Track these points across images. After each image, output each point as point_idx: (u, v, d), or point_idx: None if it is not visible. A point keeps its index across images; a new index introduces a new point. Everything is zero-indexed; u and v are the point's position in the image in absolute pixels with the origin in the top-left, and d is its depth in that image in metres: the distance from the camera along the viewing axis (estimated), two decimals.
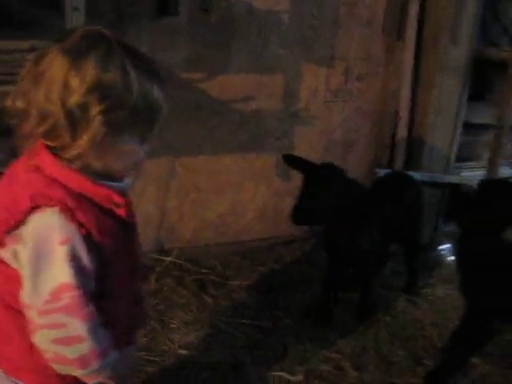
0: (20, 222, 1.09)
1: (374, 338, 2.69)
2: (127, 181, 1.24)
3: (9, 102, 1.10)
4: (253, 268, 3.17)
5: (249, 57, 2.98)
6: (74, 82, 1.04)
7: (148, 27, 2.68)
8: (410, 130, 3.46)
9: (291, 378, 2.36)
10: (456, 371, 2.40)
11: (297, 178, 3.28)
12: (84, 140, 1.06)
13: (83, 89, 1.04)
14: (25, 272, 1.11)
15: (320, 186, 2.41)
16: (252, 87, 3.03)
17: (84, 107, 1.05)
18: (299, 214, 2.45)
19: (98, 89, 1.05)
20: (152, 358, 2.41)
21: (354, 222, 2.52)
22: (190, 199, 3.07)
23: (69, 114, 1.05)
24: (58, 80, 1.05)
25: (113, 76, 1.06)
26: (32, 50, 1.98)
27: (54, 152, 1.11)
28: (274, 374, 2.38)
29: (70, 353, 1.12)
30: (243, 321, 2.71)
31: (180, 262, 3.07)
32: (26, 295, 1.11)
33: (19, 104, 1.09)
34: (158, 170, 2.93)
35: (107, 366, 1.17)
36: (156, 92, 1.12)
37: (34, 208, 1.07)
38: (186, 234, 3.13)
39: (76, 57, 1.05)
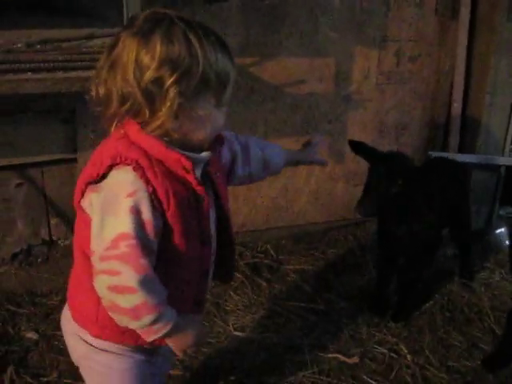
0: (100, 176, 1.21)
1: (429, 322, 2.67)
2: (206, 153, 1.29)
3: (93, 92, 1.23)
4: (306, 252, 3.17)
5: (300, 40, 2.97)
6: (146, 59, 1.14)
7: (199, 13, 2.69)
8: (464, 111, 3.39)
9: (347, 359, 2.37)
10: None
11: (351, 162, 3.29)
12: (163, 112, 1.17)
13: (154, 64, 1.14)
14: (94, 218, 1.22)
15: (386, 176, 2.34)
16: (304, 71, 3.02)
17: (158, 82, 1.15)
18: (365, 207, 2.39)
19: (168, 62, 1.14)
20: (209, 340, 2.46)
21: (403, 206, 2.47)
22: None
23: (145, 91, 1.15)
24: (130, 61, 1.15)
25: (178, 48, 1.15)
26: (91, 37, 2.04)
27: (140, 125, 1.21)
28: (329, 355, 2.40)
29: (123, 302, 1.19)
30: (298, 304, 2.73)
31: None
32: (92, 240, 1.21)
33: (101, 91, 1.20)
34: None
35: (163, 322, 1.22)
36: (220, 58, 1.20)
37: (113, 165, 1.20)
38: (240, 219, 3.15)
39: (143, 37, 1.15)
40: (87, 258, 1.25)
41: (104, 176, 1.20)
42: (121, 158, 1.18)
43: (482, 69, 3.30)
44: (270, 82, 2.96)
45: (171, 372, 2.22)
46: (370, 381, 2.28)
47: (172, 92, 1.15)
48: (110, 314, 1.24)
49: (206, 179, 1.35)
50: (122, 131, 1.24)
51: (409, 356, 2.44)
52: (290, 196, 3.24)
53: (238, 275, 2.87)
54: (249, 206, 3.16)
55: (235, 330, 2.54)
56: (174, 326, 1.25)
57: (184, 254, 1.28)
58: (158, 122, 1.18)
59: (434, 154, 3.37)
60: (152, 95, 1.15)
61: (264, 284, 2.86)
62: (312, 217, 3.35)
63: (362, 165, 3.31)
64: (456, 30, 3.26)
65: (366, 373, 2.32)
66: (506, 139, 3.45)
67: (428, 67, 3.34)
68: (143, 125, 1.20)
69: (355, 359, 2.37)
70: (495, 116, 3.36)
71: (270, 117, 3.03)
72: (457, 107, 3.34)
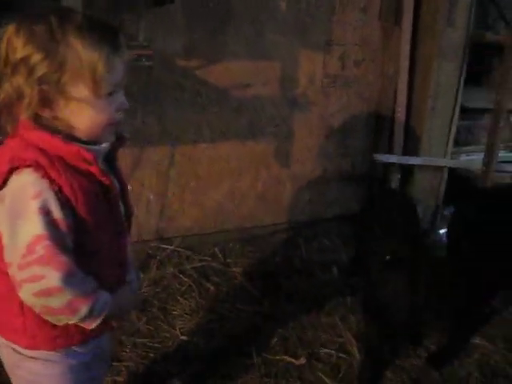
0: (1, 183, 1.16)
1: None
2: (105, 144, 1.27)
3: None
4: (254, 255, 3.17)
5: (245, 43, 2.97)
6: (16, 42, 1.13)
7: (144, 15, 2.67)
8: (408, 115, 3.45)
9: (294, 361, 2.37)
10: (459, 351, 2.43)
11: (296, 165, 3.31)
12: (29, 98, 1.14)
13: (20, 45, 1.12)
14: (3, 229, 1.17)
15: None
16: (249, 74, 3.03)
17: (24, 63, 1.12)
18: None
19: (32, 43, 1.12)
20: (155, 345, 2.43)
21: None
22: (189, 187, 3.07)
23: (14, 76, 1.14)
24: (13, 56, 1.14)
25: (43, 30, 1.12)
26: None
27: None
28: (277, 357, 2.39)
29: (54, 303, 1.16)
30: (245, 307, 2.72)
31: (181, 250, 3.08)
32: (6, 252, 1.17)
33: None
34: (157, 158, 2.93)
35: (100, 306, 1.22)
36: (88, 45, 1.15)
37: (13, 169, 1.15)
38: (187, 222, 3.13)
39: (23, 28, 1.13)
40: (3, 273, 1.21)
41: (5, 182, 1.16)
42: (19, 160, 1.15)
43: (425, 73, 3.36)
44: (215, 85, 2.95)
45: (116, 378, 2.19)
46: (317, 381, 2.29)
47: (43, 81, 1.13)
48: (45, 317, 1.22)
49: (110, 171, 1.33)
50: (17, 131, 1.20)
51: (358, 355, 2.45)
52: (236, 199, 3.23)
53: (185, 279, 2.86)
54: (195, 210, 3.14)
55: (182, 334, 2.51)
56: (111, 306, 1.25)
57: (100, 246, 1.27)
58: (29, 112, 1.15)
59: (379, 156, 3.42)
60: (23, 84, 1.13)
61: (211, 288, 2.84)
62: (259, 219, 3.35)
63: (308, 167, 3.36)
64: (399, 35, 3.32)
65: (313, 373, 2.33)
66: (448, 141, 3.53)
67: (372, 71, 3.39)
68: (35, 121, 1.18)
69: (302, 360, 2.38)
70: (438, 119, 3.42)
71: (215, 120, 3.02)
72: (400, 111, 3.40)
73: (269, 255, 3.18)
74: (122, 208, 1.38)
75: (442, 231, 3.49)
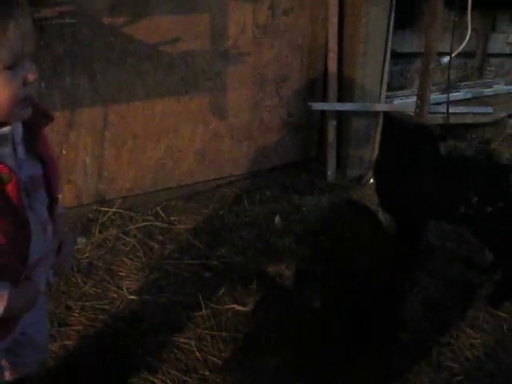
0: None
1: None
2: (7, 128, 1.15)
3: None
4: (197, 211, 3.17)
5: None
6: None
7: None
8: (340, 61, 3.47)
9: (242, 308, 2.41)
10: None
11: (233, 117, 3.30)
12: None
13: None
14: None
15: None
16: (179, 29, 2.97)
17: None
18: None
19: None
20: (103, 307, 2.42)
21: None
22: (127, 147, 3.02)
23: None
24: None
25: None
26: None
27: None
28: (225, 307, 2.43)
29: None
30: (191, 261, 2.74)
31: (122, 211, 3.06)
32: None
33: None
34: (91, 119, 2.86)
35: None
36: None
37: None
38: (127, 183, 3.10)
39: None
40: None
41: None
42: None
43: (354, 18, 3.37)
44: (144, 42, 2.89)
45: (66, 342, 2.19)
46: (266, 325, 2.34)
47: None
48: None
49: (30, 154, 1.23)
50: None
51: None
52: (175, 156, 3.21)
53: (129, 239, 2.84)
54: (134, 170, 3.10)
55: (130, 294, 2.51)
56: (10, 297, 1.18)
57: None
58: None
59: (314, 104, 3.45)
60: None
61: (156, 246, 2.84)
62: (200, 175, 3.35)
63: (244, 119, 3.36)
64: None
65: (260, 319, 2.37)
66: (381, 86, 3.58)
67: (303, 19, 3.38)
68: None
69: (249, 307, 2.42)
70: (370, 64, 3.46)
71: (147, 78, 2.96)
72: (332, 57, 3.42)
73: (212, 210, 3.19)
74: (42, 195, 1.27)
75: None
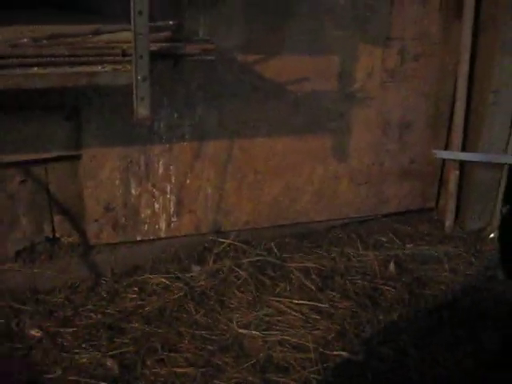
0: None
1: None
2: None
3: None
4: (310, 250, 3.17)
5: (304, 38, 2.96)
6: None
7: (205, 12, 2.70)
8: (468, 110, 3.39)
9: (351, 356, 2.37)
10: None
11: (354, 160, 3.29)
12: None
13: None
14: None
15: None
16: (307, 69, 3.01)
17: None
18: None
19: None
20: (212, 337, 2.46)
21: None
22: (247, 181, 3.08)
23: None
24: None
25: None
26: (97, 33, 2.04)
27: None
28: (335, 353, 2.39)
29: None
30: (301, 301, 2.73)
31: (237, 243, 3.10)
32: None
33: None
34: (216, 152, 2.95)
35: None
36: None
37: None
38: (243, 217, 3.15)
39: None
40: None
41: None
42: None
43: (486, 67, 3.29)
44: (272, 80, 2.95)
45: (176, 369, 2.24)
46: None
47: None
48: None
49: None
50: None
51: None
52: (293, 194, 3.23)
53: (242, 272, 2.88)
54: (252, 204, 3.15)
55: (239, 327, 2.53)
56: None
57: None
58: None
59: (438, 152, 3.38)
60: None
61: (268, 281, 2.85)
62: (315, 215, 3.34)
63: (364, 163, 3.34)
64: (460, 28, 3.25)
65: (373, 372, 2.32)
66: (509, 138, 3.45)
67: (432, 65, 3.33)
68: None
69: (360, 357, 2.37)
70: (499, 114, 3.35)
71: (272, 115, 3.02)
72: (460, 106, 3.34)
73: (324, 251, 3.18)
74: None
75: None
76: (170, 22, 2.16)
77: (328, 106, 3.14)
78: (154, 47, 1.92)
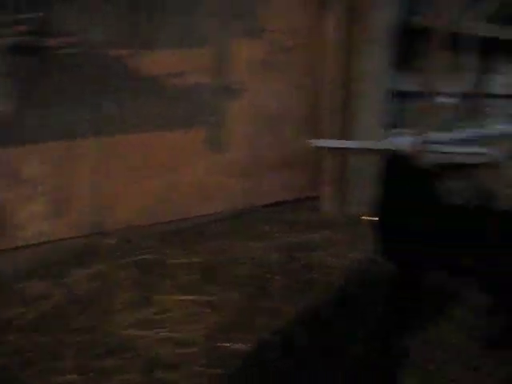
0: None
1: None
2: None
3: None
4: (194, 246, 3.13)
5: (176, 31, 2.94)
6: None
7: (72, 5, 2.59)
8: (341, 99, 3.49)
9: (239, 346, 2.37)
10: None
11: (233, 153, 3.29)
12: None
13: None
14: None
15: None
16: (182, 63, 2.99)
17: None
18: None
19: None
20: (98, 342, 2.37)
21: None
22: (125, 179, 3.00)
23: None
24: None
25: None
26: None
27: None
28: (221, 344, 2.38)
29: None
30: (186, 297, 2.69)
31: (119, 243, 3.02)
32: None
33: None
34: (89, 150, 2.85)
35: None
36: None
37: None
38: (125, 215, 3.07)
39: None
40: None
41: None
42: None
43: (355, 57, 3.40)
44: (147, 75, 2.90)
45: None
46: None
47: None
48: None
49: None
50: None
51: None
52: (174, 190, 3.20)
53: (126, 272, 2.80)
54: (133, 202, 3.08)
55: (126, 327, 2.46)
56: None
57: None
58: None
59: (314, 141, 3.45)
60: None
61: (152, 279, 2.79)
62: (198, 210, 3.34)
63: (243, 155, 3.35)
64: (329, 20, 3.34)
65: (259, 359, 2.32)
66: (381, 125, 3.58)
67: (305, 57, 3.41)
68: None
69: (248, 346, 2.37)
70: (370, 102, 3.47)
71: (148, 110, 2.98)
72: (333, 95, 3.43)
73: (209, 246, 3.15)
74: None
75: None
76: (34, 15, 2.06)
77: (206, 99, 3.13)
78: (11, 40, 1.82)
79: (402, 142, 3.83)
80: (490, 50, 4.88)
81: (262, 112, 3.36)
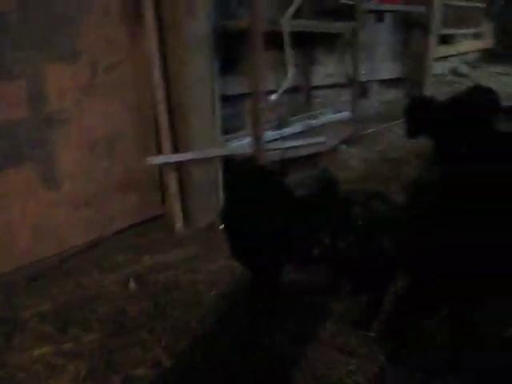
0: None
1: None
2: None
3: None
4: (43, 292, 2.90)
5: None
6: None
7: None
8: (171, 111, 3.41)
9: None
10: None
11: (68, 184, 3.10)
12: None
13: None
14: None
15: None
16: None
17: None
18: None
19: None
20: None
21: None
22: None
23: None
24: None
25: None
26: None
27: None
28: None
29: None
30: (42, 351, 2.48)
31: None
32: None
33: None
34: None
35: None
36: None
37: None
38: None
39: None
40: None
41: None
42: None
43: (177, 67, 3.33)
44: None
45: None
46: None
47: None
48: None
49: None
50: None
51: None
52: (9, 235, 2.94)
53: None
54: None
55: None
56: None
57: None
58: None
59: (151, 159, 3.34)
60: None
61: (1, 338, 2.56)
62: (40, 252, 3.09)
63: (80, 185, 3.16)
64: (145, 33, 3.24)
65: None
66: (215, 131, 3.55)
67: (127, 74, 3.28)
68: None
69: None
70: (198, 110, 3.41)
71: None
72: (162, 109, 3.33)
73: (59, 288, 2.95)
74: None
75: None
76: None
77: (30, 134, 2.90)
78: None
79: (240, 145, 3.84)
80: (310, 44, 5.07)
81: (94, 137, 3.19)
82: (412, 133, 4.04)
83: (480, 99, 4.16)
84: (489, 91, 4.31)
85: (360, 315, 2.60)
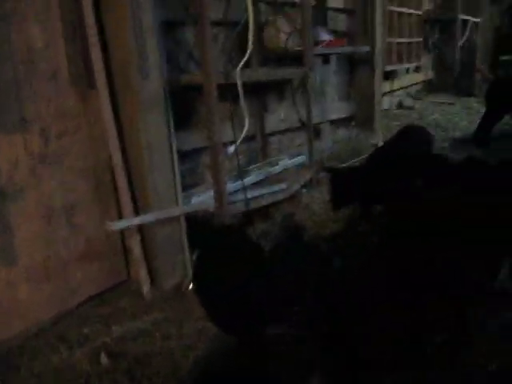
0: None
1: None
2: None
3: None
4: (7, 376, 2.73)
5: None
6: None
7: None
8: (129, 174, 3.31)
9: None
10: None
11: (25, 259, 2.95)
12: None
13: None
14: None
15: None
16: None
17: None
18: None
19: None
20: None
21: None
22: None
23: None
24: None
25: None
26: None
27: None
28: None
29: None
30: None
31: None
32: None
33: None
34: None
35: None
36: None
37: None
38: None
39: None
40: None
41: None
42: None
43: (132, 128, 3.26)
44: None
45: None
46: None
47: None
48: None
49: None
50: None
51: None
52: None
53: None
54: None
55: None
56: None
57: None
58: None
59: (111, 224, 3.23)
60: None
61: None
62: (1, 333, 2.91)
63: (39, 259, 3.01)
64: (97, 97, 3.15)
65: None
66: (175, 189, 3.46)
67: (81, 140, 3.18)
68: None
69: None
70: (158, 169, 3.33)
71: None
72: (119, 172, 3.23)
73: (25, 370, 2.77)
74: None
75: None
76: None
77: None
78: None
79: (202, 201, 3.76)
80: (263, 92, 5.08)
81: (51, 207, 3.05)
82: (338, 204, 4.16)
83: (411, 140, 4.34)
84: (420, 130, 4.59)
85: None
